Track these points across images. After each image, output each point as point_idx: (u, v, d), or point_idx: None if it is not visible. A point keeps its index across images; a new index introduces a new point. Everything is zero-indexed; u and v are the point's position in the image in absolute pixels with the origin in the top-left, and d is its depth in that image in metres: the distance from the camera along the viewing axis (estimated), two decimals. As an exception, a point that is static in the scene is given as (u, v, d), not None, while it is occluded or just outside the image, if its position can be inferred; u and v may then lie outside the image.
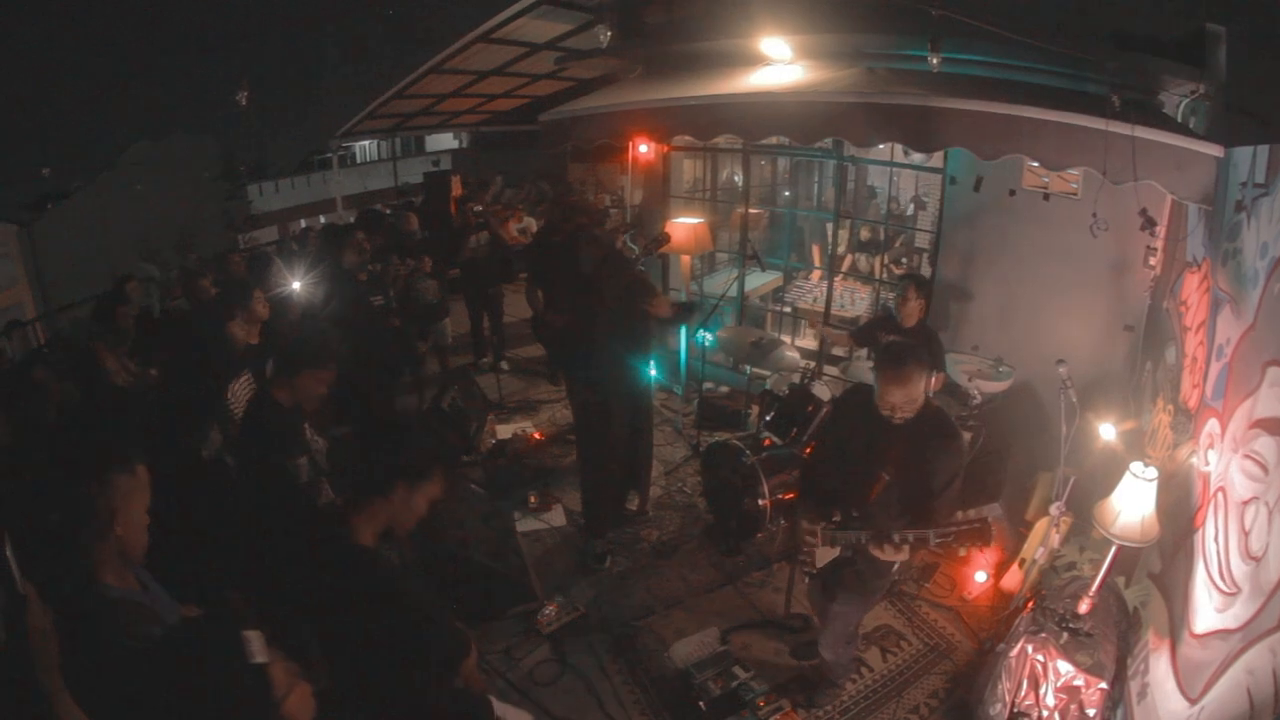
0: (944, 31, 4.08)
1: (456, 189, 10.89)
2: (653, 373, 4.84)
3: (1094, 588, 3.08)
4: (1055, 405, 3.68)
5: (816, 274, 8.47)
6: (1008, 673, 3.15)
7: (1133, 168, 3.57)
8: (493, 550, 4.49)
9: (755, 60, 5.51)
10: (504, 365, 7.80)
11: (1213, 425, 2.83)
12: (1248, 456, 2.38)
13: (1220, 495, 2.59)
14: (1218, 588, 2.43)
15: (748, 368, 6.19)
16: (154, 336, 5.80)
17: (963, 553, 2.70)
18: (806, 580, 3.47)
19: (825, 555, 3.07)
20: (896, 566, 3.35)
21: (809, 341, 7.23)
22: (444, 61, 8.53)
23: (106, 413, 4.14)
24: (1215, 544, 2.52)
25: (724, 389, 6.95)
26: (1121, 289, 4.86)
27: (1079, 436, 3.64)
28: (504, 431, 6.29)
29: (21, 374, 4.34)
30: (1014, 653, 3.12)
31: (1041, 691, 3.02)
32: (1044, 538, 3.90)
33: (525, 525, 5.00)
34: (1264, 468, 2.26)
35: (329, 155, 15.33)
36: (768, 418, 4.90)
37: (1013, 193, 5.19)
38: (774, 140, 5.78)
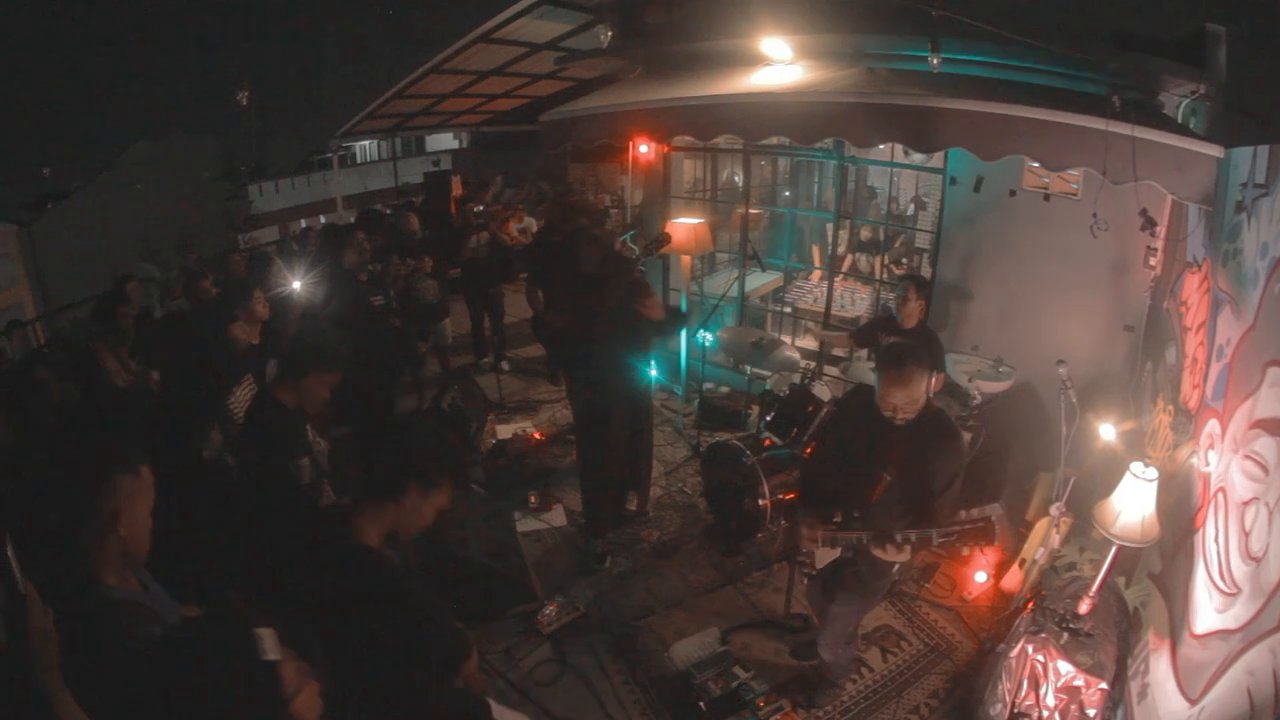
0: (944, 32, 4.08)
1: (457, 189, 10.91)
2: (653, 373, 4.84)
3: (1094, 588, 3.08)
4: (1055, 406, 3.68)
5: (817, 274, 8.47)
6: (1008, 673, 3.15)
7: (1133, 168, 3.57)
8: (493, 550, 4.49)
9: (756, 60, 5.51)
10: (504, 365, 7.80)
11: (1213, 426, 2.83)
12: (1248, 457, 2.38)
13: (1220, 496, 2.59)
14: (1218, 588, 2.43)
15: (748, 368, 6.19)
16: (154, 337, 5.80)
17: (966, 552, 2.70)
18: (805, 581, 3.47)
19: (825, 556, 3.08)
20: (897, 567, 3.35)
21: (809, 342, 7.23)
22: (444, 61, 8.53)
23: (106, 413, 4.14)
24: (1215, 544, 2.52)
25: (724, 389, 6.95)
26: (1122, 289, 4.86)
27: (1079, 437, 3.64)
28: (504, 431, 6.29)
29: (22, 374, 4.34)
30: (1014, 653, 3.13)
31: (1042, 692, 3.02)
32: (1044, 538, 3.90)
33: (525, 525, 5.00)
34: (1264, 468, 2.26)
35: (329, 155, 15.33)
36: (768, 418, 4.90)
37: (1013, 193, 5.19)
38: (774, 140, 5.79)
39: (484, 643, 3.86)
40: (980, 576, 4.29)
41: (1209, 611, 2.46)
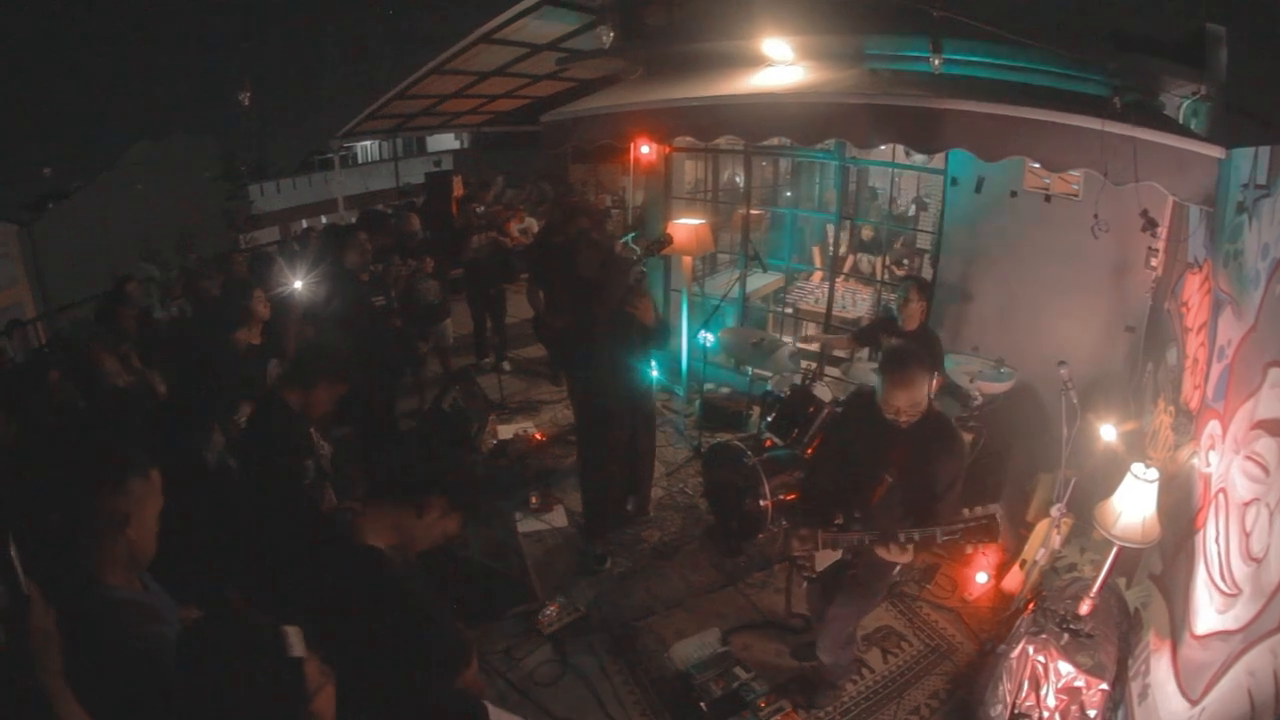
0: (945, 32, 4.08)
1: (458, 189, 10.90)
2: (654, 374, 4.84)
3: (1095, 589, 3.08)
4: (1056, 406, 3.68)
5: (818, 275, 8.47)
6: (1009, 674, 3.15)
7: (1134, 169, 3.57)
8: (493, 550, 4.50)
9: (757, 61, 5.51)
10: (505, 366, 7.80)
11: (1214, 426, 2.83)
12: (1249, 458, 2.38)
13: (1221, 496, 2.59)
14: (1219, 589, 2.43)
15: (749, 368, 6.19)
16: (155, 339, 5.81)
17: (969, 550, 2.70)
18: (805, 584, 3.47)
19: (825, 559, 3.08)
20: (898, 569, 3.35)
21: (809, 345, 7.23)
22: (445, 62, 8.52)
23: (108, 415, 4.14)
24: (1216, 545, 2.53)
25: (725, 390, 6.95)
26: (1123, 290, 4.86)
27: (1080, 438, 3.64)
28: (505, 432, 6.29)
29: (24, 374, 4.34)
30: (1015, 654, 3.12)
31: (1042, 692, 3.02)
32: (1045, 539, 3.90)
33: (526, 526, 5.00)
34: (1265, 469, 2.26)
35: (330, 155, 15.31)
36: (769, 419, 4.90)
37: (1014, 194, 5.19)
38: (775, 141, 5.78)
39: (484, 643, 3.86)
40: (981, 577, 4.29)
41: (1210, 612, 2.46)
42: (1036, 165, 4.51)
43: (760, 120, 4.88)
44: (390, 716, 2.02)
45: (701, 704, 3.44)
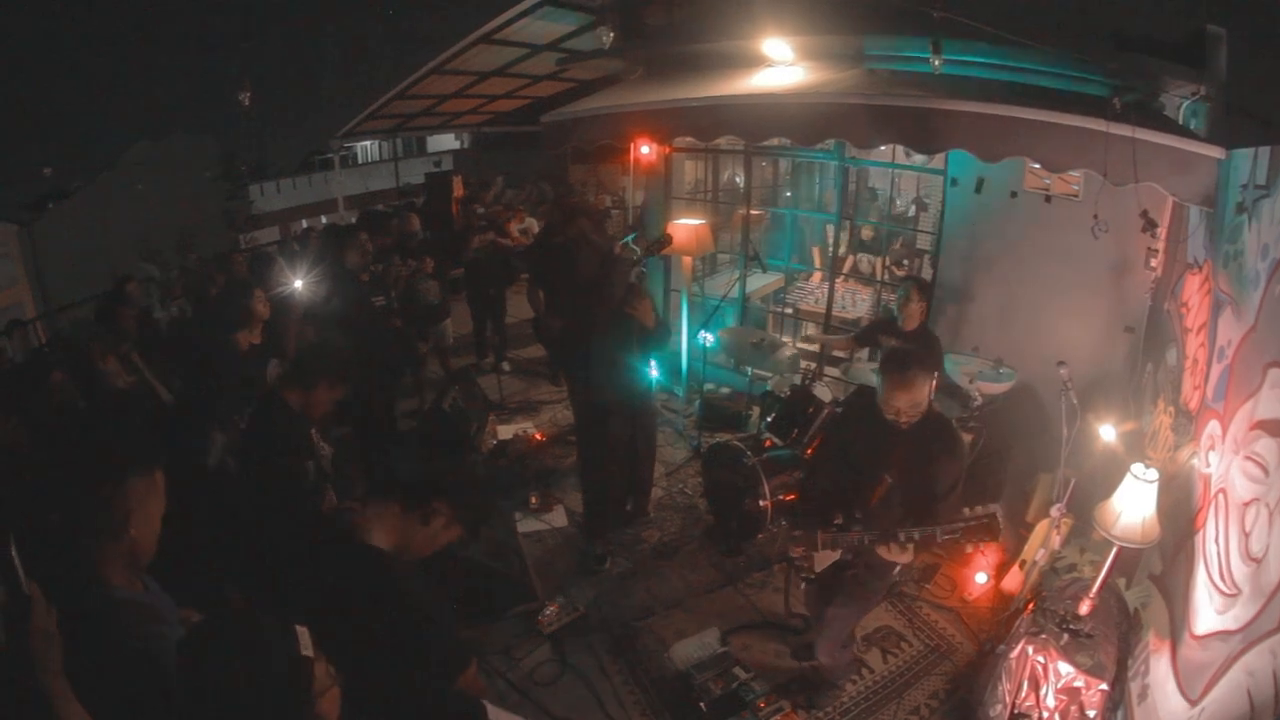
0: (945, 33, 4.08)
1: (458, 189, 10.91)
2: (654, 374, 4.84)
3: (1094, 589, 3.08)
4: (1056, 407, 3.68)
5: (817, 275, 8.47)
6: (1008, 674, 3.15)
7: (1134, 169, 3.57)
8: (493, 550, 4.50)
9: (757, 62, 5.51)
10: (505, 366, 7.81)
11: (1214, 427, 2.83)
12: (1248, 458, 2.38)
13: (1221, 497, 2.59)
14: (1218, 589, 2.43)
15: (749, 369, 6.19)
16: (155, 340, 5.81)
17: (969, 549, 2.70)
18: (803, 585, 3.47)
19: (824, 559, 3.08)
20: (898, 569, 3.35)
21: (809, 345, 7.23)
22: (445, 62, 8.52)
23: (107, 415, 4.15)
24: (1216, 545, 2.53)
25: (725, 390, 6.95)
26: (1122, 290, 4.86)
27: (1079, 438, 3.64)
28: (505, 432, 6.29)
29: (25, 374, 4.34)
30: (1014, 654, 3.12)
31: (1042, 693, 3.02)
32: (1044, 539, 3.90)
33: (526, 526, 5.01)
34: (1265, 469, 2.26)
35: (330, 155, 15.30)
36: (769, 419, 4.90)
37: (1014, 194, 5.20)
38: (775, 141, 5.78)
39: (484, 643, 3.86)
40: (980, 578, 4.29)
41: (1209, 612, 2.46)
42: (1036, 166, 4.51)
43: (760, 120, 4.88)
44: (390, 716, 2.03)
45: (701, 704, 3.44)
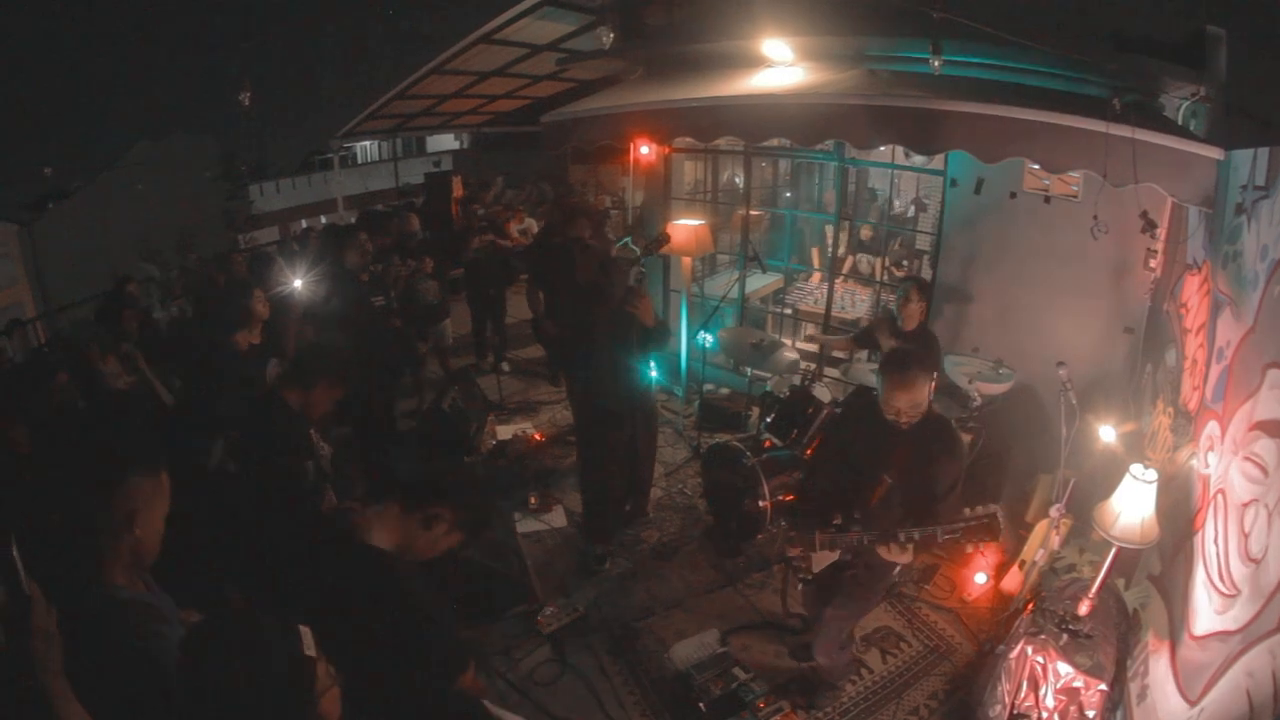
0: (945, 34, 4.08)
1: (457, 190, 10.92)
2: (654, 374, 4.84)
3: (1094, 589, 3.08)
4: (1055, 407, 3.68)
5: (817, 276, 8.48)
6: (1007, 674, 3.15)
7: (1133, 170, 3.57)
8: (493, 551, 4.49)
9: (757, 62, 5.52)
10: (505, 366, 7.81)
11: (1213, 427, 2.83)
12: (1248, 459, 2.39)
13: (1220, 497, 2.59)
14: (1217, 590, 2.43)
15: (748, 369, 6.19)
16: (155, 339, 5.81)
17: (970, 549, 2.70)
18: (801, 586, 3.47)
19: (822, 560, 3.08)
20: (898, 569, 3.35)
21: (809, 343, 7.23)
22: (445, 62, 8.52)
23: (108, 415, 4.15)
24: (1215, 546, 2.53)
25: (724, 391, 6.96)
26: (1122, 291, 4.86)
27: (1079, 439, 3.64)
28: (504, 432, 6.29)
29: (25, 375, 4.34)
30: (1014, 654, 3.13)
31: (1041, 693, 3.02)
32: (1044, 539, 3.90)
33: (525, 526, 5.00)
34: (1264, 470, 2.26)
35: (330, 155, 15.31)
36: (768, 420, 4.90)
37: (1014, 195, 5.20)
38: (775, 142, 5.79)
39: (484, 643, 3.86)
40: (980, 578, 4.29)
41: (1208, 613, 2.46)
42: (1036, 166, 4.52)
43: (760, 121, 4.88)
44: (390, 716, 2.03)
45: (701, 704, 3.43)
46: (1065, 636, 3.06)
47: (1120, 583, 3.53)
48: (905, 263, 8.26)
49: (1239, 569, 2.31)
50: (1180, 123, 4.34)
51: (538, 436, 6.25)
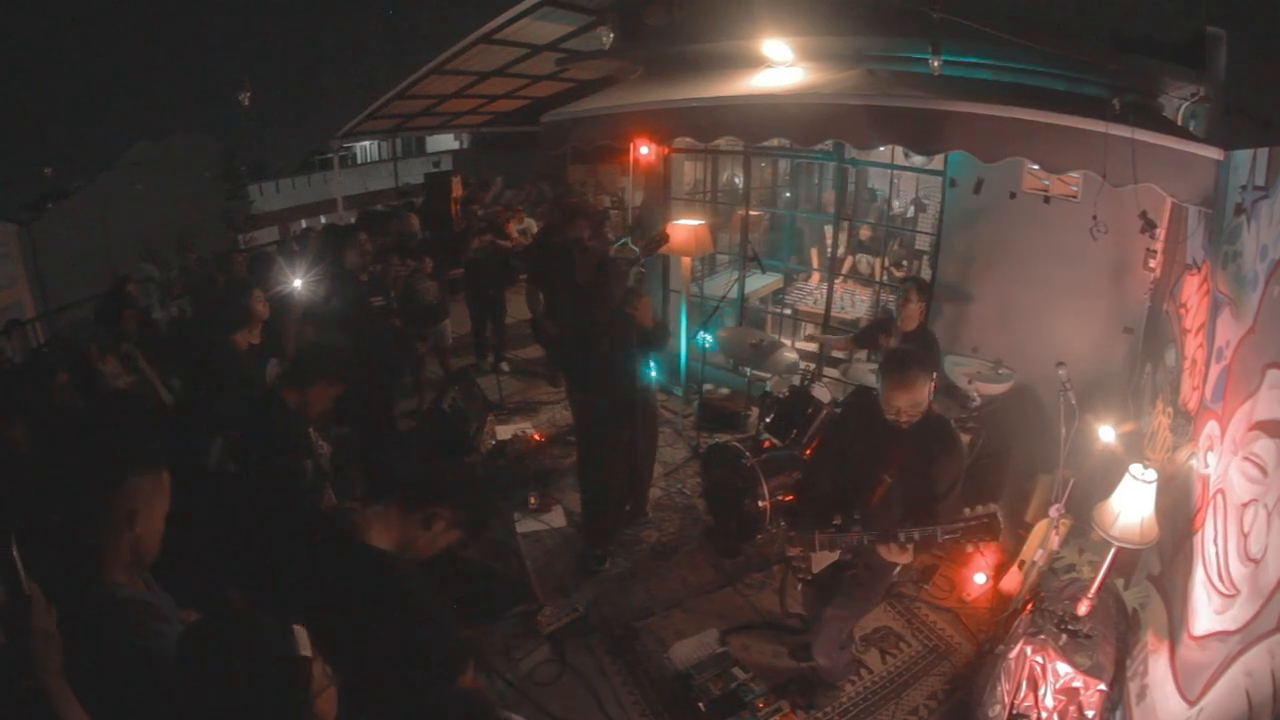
0: (945, 34, 4.08)
1: (457, 190, 10.93)
2: (653, 374, 4.84)
3: (1093, 589, 3.09)
4: (1055, 407, 3.68)
5: (816, 276, 8.48)
6: (1006, 674, 3.15)
7: (1133, 170, 3.57)
8: (493, 551, 4.49)
9: (756, 62, 5.52)
10: (504, 366, 7.81)
11: (1212, 427, 2.83)
12: (1247, 459, 2.39)
13: (1219, 497, 2.59)
14: (1217, 590, 2.43)
15: (748, 369, 6.19)
16: (154, 339, 5.81)
17: (970, 549, 2.70)
18: (800, 586, 3.47)
19: (821, 560, 3.08)
20: (898, 569, 3.35)
21: (809, 344, 7.23)
22: (445, 62, 8.52)
23: (107, 415, 4.15)
24: (1214, 546, 2.53)
25: (724, 391, 6.96)
26: (1121, 291, 4.86)
27: (1078, 439, 3.64)
28: (504, 432, 6.29)
29: (25, 375, 4.34)
30: (1013, 654, 3.13)
31: (1040, 693, 3.02)
32: (1043, 539, 3.90)
33: (525, 526, 5.00)
34: (1263, 470, 2.26)
35: (329, 155, 15.32)
36: (767, 420, 4.90)
37: (1013, 195, 5.20)
38: (775, 142, 5.79)
39: (484, 643, 3.86)
40: (979, 578, 4.29)
41: (1208, 613, 2.46)
42: (1035, 167, 4.52)
43: (760, 121, 4.88)
44: (390, 716, 2.03)
45: (700, 704, 3.43)
46: (1064, 636, 3.06)
47: (1120, 583, 3.54)
48: (905, 263, 8.27)
49: (1238, 569, 2.31)
50: (1180, 123, 4.34)
51: (537, 437, 6.25)
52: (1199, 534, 2.70)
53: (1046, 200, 5.03)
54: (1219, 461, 2.68)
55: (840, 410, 4.46)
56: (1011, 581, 4.17)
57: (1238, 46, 3.94)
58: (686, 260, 6.37)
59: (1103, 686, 2.91)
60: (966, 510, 2.69)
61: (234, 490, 3.20)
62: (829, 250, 8.13)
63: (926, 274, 6.24)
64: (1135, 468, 2.81)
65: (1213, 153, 3.46)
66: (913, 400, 2.76)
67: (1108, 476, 3.09)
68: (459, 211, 10.11)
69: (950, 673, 3.79)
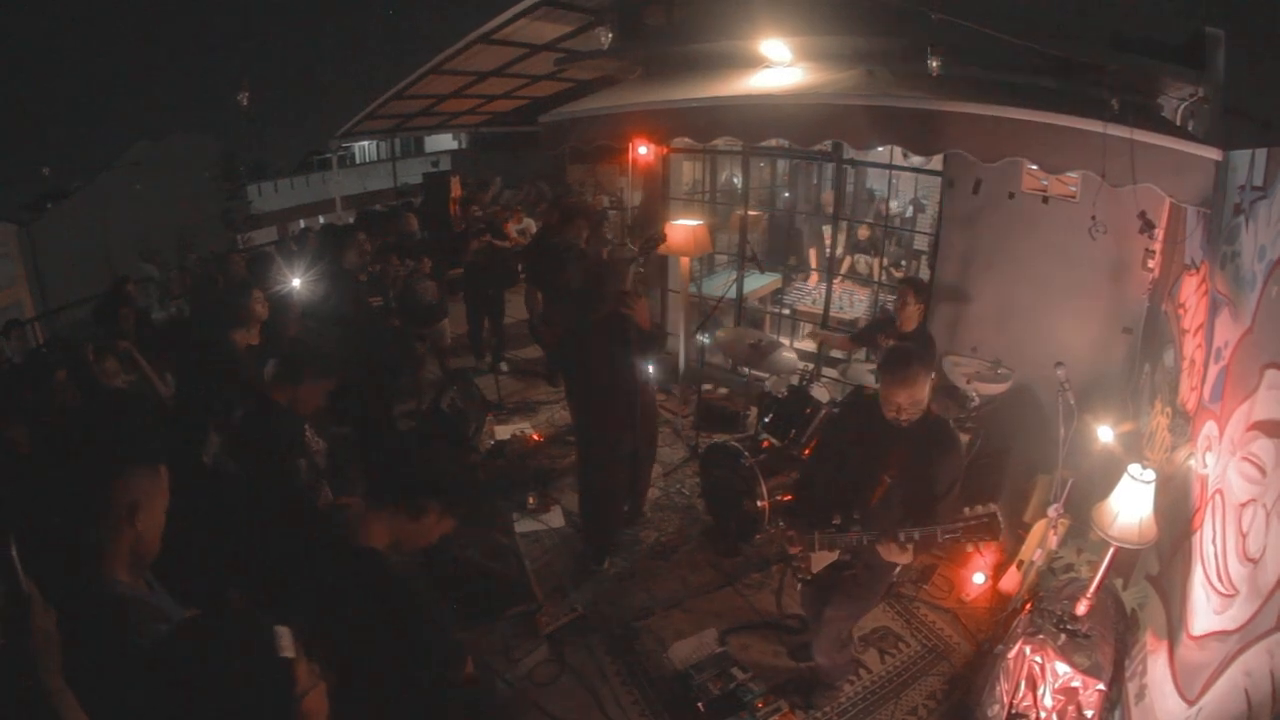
0: (944, 34, 4.08)
1: (456, 190, 10.92)
2: (651, 374, 4.83)
3: (1092, 589, 3.09)
4: (1053, 407, 3.68)
5: (814, 276, 8.48)
6: (1005, 674, 3.16)
7: (1131, 171, 3.58)
8: (491, 551, 4.49)
9: (755, 62, 5.52)
10: (503, 366, 7.80)
11: (1211, 428, 2.84)
12: (1245, 459, 2.39)
13: (1218, 497, 2.59)
14: (1215, 589, 2.44)
15: (746, 369, 6.19)
16: (153, 339, 5.81)
17: (969, 549, 2.70)
18: (800, 586, 3.47)
19: (820, 560, 3.08)
20: (897, 569, 3.35)
21: (807, 344, 7.24)
22: (444, 62, 8.52)
23: (106, 414, 4.14)
24: (1213, 546, 2.53)
25: (723, 391, 6.96)
26: (1120, 291, 4.87)
27: (1077, 439, 3.64)
28: (503, 432, 6.29)
29: (25, 374, 4.34)
30: (1012, 654, 3.13)
31: (1039, 693, 3.03)
32: (1042, 539, 3.90)
33: (524, 526, 5.00)
34: (1262, 470, 2.26)
35: (328, 155, 15.35)
36: (766, 419, 4.90)
37: (1012, 195, 5.20)
38: (773, 142, 5.79)
39: (483, 643, 3.86)
40: (978, 578, 4.30)
41: (1206, 613, 2.47)
42: (1034, 167, 4.52)
43: (758, 121, 4.88)
44: (388, 715, 2.03)
45: (699, 704, 3.44)
46: (1063, 636, 3.06)
47: (1118, 583, 3.54)
48: (903, 263, 8.27)
49: (1237, 569, 2.31)
50: (1179, 124, 4.35)
51: (536, 437, 6.24)
52: (1197, 534, 2.71)
53: (1045, 200, 5.04)
54: (1217, 461, 2.68)
55: (838, 410, 4.46)
56: (1010, 581, 4.18)
57: (1237, 47, 3.95)
58: (685, 260, 6.37)
59: (1101, 686, 2.91)
60: (966, 510, 2.69)
61: (232, 490, 3.20)
62: (827, 250, 8.13)
63: (925, 274, 6.24)
64: (1134, 468, 2.81)
65: (1211, 153, 3.46)
66: (913, 398, 2.76)
67: (1106, 476, 3.09)
68: (458, 211, 10.10)
69: (949, 673, 3.79)
